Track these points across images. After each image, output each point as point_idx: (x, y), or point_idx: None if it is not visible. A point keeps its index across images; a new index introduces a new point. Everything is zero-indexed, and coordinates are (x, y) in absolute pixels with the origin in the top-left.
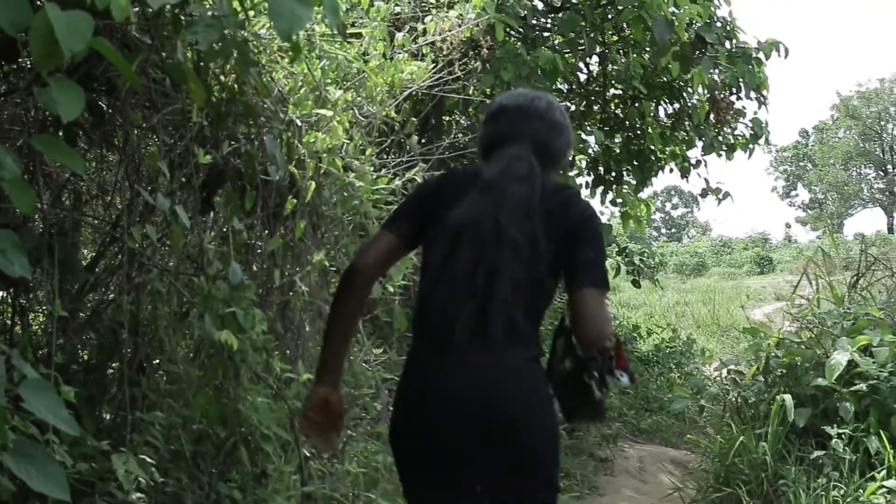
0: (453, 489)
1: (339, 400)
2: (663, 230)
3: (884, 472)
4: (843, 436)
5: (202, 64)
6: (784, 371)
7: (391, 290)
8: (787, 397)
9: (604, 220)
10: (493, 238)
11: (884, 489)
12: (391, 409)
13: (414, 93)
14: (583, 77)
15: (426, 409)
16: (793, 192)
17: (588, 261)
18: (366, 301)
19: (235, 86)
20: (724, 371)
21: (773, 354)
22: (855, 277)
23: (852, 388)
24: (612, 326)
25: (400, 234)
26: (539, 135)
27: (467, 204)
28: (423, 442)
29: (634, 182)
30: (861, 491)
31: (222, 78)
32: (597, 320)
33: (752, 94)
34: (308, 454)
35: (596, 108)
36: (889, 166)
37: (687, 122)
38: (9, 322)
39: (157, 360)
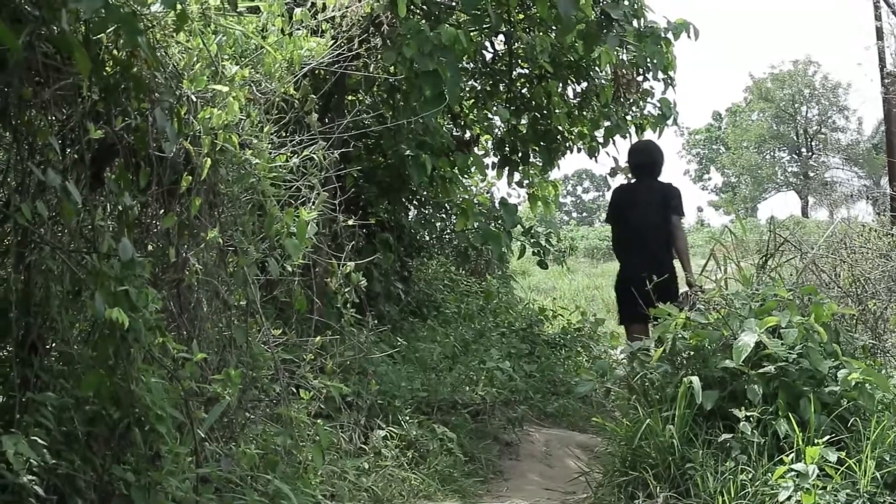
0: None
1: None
2: (574, 214)
3: (792, 455)
4: (751, 419)
5: (92, 37)
6: (691, 353)
7: (290, 269)
8: (695, 379)
9: (512, 201)
10: (644, 222)
11: (792, 472)
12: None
13: (315, 70)
14: (488, 56)
15: (628, 277)
16: (706, 176)
17: (675, 207)
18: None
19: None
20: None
21: (679, 336)
22: (763, 259)
23: (760, 371)
24: (684, 233)
25: (613, 224)
26: (650, 164)
27: (633, 212)
28: (626, 290)
29: (541, 163)
30: (769, 474)
31: (115, 52)
32: (678, 230)
33: (660, 76)
34: (203, 436)
35: (502, 87)
36: (803, 149)
37: (594, 102)
38: None
39: (51, 342)
